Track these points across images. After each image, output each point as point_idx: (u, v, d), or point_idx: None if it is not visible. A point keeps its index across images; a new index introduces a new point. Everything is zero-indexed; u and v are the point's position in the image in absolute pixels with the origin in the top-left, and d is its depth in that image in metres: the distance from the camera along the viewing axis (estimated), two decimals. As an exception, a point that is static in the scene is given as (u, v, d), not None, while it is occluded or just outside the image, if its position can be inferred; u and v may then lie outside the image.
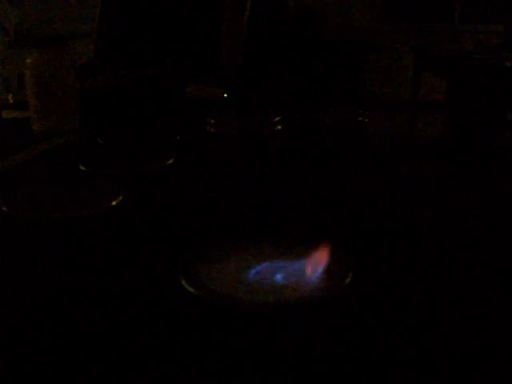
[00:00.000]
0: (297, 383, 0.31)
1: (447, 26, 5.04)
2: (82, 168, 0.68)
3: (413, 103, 3.89)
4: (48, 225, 0.52)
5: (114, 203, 0.54)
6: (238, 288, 0.38)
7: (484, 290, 0.41)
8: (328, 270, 0.40)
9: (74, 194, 0.58)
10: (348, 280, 0.38)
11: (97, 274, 0.44)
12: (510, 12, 3.96)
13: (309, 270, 0.40)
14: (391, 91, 5.01)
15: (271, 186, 0.66)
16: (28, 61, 0.88)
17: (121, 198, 0.55)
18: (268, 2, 2.05)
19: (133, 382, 0.32)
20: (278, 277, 0.39)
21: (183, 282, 0.38)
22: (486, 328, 0.36)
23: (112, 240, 0.50)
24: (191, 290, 0.38)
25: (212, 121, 0.81)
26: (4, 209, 0.53)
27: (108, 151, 0.79)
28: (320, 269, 0.40)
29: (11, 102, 1.17)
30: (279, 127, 0.82)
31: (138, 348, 0.34)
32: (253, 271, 0.40)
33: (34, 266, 0.45)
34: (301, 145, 0.86)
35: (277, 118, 0.80)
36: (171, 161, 0.70)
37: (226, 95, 1.17)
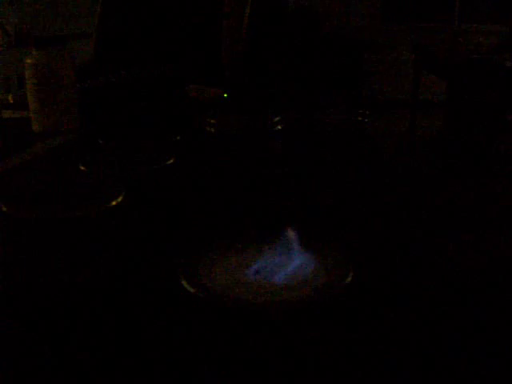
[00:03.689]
0: (297, 383, 0.31)
1: (447, 26, 5.04)
2: (82, 168, 0.68)
3: (413, 103, 3.89)
4: (48, 225, 0.52)
5: (113, 203, 0.54)
6: (238, 288, 0.38)
7: (485, 289, 0.41)
8: (328, 270, 0.40)
9: (74, 194, 0.58)
10: (348, 280, 0.38)
11: (97, 273, 0.44)
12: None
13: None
14: (391, 91, 5.01)
15: (271, 185, 0.66)
16: (28, 61, 0.88)
17: (121, 198, 0.55)
18: (268, 2, 2.05)
19: (132, 382, 0.32)
20: (278, 277, 0.39)
21: (183, 282, 0.38)
22: (486, 327, 0.36)
23: (112, 240, 0.50)
24: (191, 290, 0.38)
25: (212, 121, 0.81)
26: (4, 209, 0.53)
27: (108, 151, 0.79)
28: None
29: (11, 101, 1.17)
30: (279, 127, 0.82)
31: (138, 348, 0.34)
32: (253, 271, 0.40)
33: (34, 266, 0.45)
34: (301, 145, 0.86)
35: (277, 118, 0.81)
36: (171, 161, 0.70)
37: (225, 95, 1.17)
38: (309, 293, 0.38)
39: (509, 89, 2.65)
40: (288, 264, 0.40)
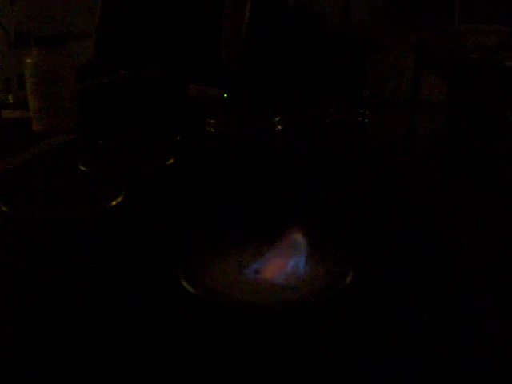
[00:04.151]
0: (296, 383, 0.31)
1: (447, 26, 5.04)
2: (82, 168, 0.68)
3: (413, 103, 3.89)
4: (48, 225, 0.52)
5: (113, 203, 0.54)
6: (238, 288, 0.38)
7: (484, 290, 0.41)
8: (328, 270, 0.40)
9: (74, 194, 0.58)
10: (348, 280, 0.38)
11: (97, 273, 0.44)
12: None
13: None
14: (391, 91, 5.01)
15: (271, 186, 0.66)
16: (28, 61, 0.88)
17: (121, 198, 0.55)
18: (268, 1, 2.05)
19: (132, 382, 0.32)
20: (278, 277, 0.39)
21: (183, 282, 0.38)
22: (487, 327, 0.36)
23: (112, 240, 0.50)
24: (191, 290, 0.38)
25: (212, 121, 0.81)
26: (4, 209, 0.53)
27: (108, 151, 0.79)
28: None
29: (11, 101, 1.17)
30: (279, 127, 0.81)
31: (138, 348, 0.34)
32: (252, 271, 0.40)
33: (34, 266, 0.45)
34: (301, 145, 0.86)
35: (277, 118, 0.80)
36: (171, 161, 0.70)
37: (225, 95, 1.17)
38: (309, 293, 0.38)
39: (509, 88, 2.65)
40: (288, 264, 0.40)
